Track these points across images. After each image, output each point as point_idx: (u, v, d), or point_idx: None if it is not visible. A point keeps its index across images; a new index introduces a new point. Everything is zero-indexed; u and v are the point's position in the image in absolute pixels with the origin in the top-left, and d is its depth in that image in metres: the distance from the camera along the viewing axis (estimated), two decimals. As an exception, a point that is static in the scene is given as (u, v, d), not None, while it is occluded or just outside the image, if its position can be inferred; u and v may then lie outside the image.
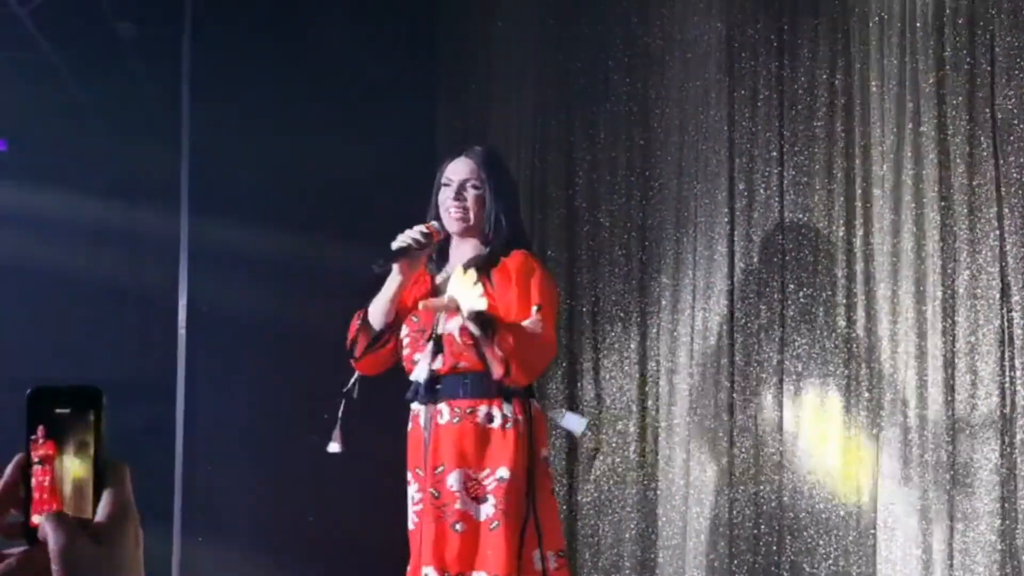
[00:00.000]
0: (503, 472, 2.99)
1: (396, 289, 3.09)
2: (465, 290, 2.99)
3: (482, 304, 2.96)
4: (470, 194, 3.12)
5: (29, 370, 4.16)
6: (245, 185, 4.60)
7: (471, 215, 3.11)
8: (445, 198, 3.13)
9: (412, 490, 3.13)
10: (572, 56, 4.39)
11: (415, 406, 3.10)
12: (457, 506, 2.99)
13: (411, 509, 3.14)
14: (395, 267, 3.06)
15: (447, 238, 3.16)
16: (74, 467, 0.86)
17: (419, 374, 3.06)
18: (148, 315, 4.76)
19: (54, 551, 0.81)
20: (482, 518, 2.99)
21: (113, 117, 4.71)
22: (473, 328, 2.91)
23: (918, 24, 3.49)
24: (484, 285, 3.04)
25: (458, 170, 3.14)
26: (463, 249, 3.17)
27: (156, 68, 4.75)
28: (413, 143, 4.61)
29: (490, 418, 3.02)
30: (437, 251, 3.18)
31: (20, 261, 4.45)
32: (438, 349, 3.05)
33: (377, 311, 3.13)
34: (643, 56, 4.21)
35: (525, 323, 2.99)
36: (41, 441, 0.86)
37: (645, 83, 4.20)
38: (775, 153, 3.82)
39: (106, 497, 0.84)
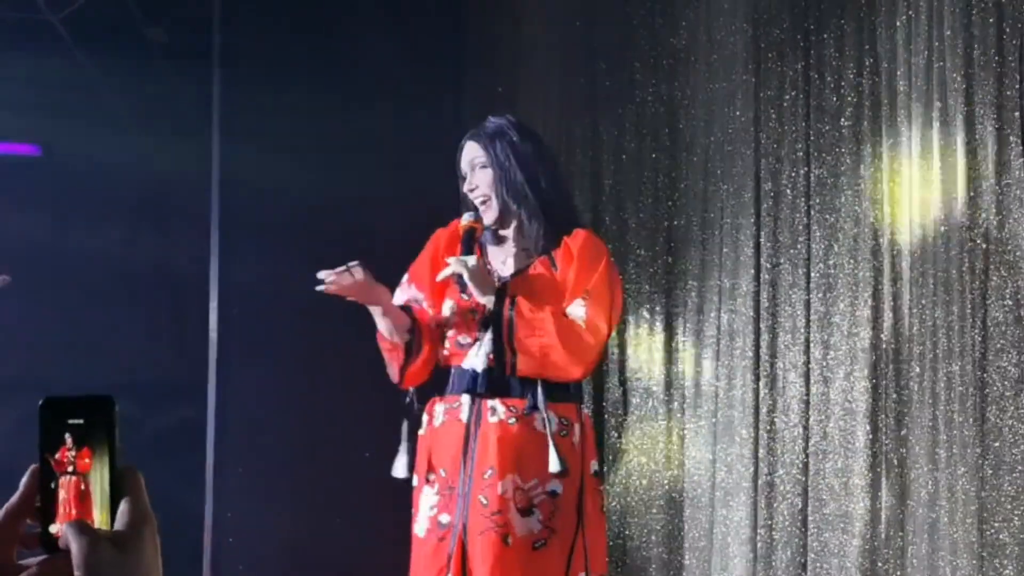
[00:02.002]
0: (555, 485, 2.71)
1: (381, 312, 2.79)
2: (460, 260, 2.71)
3: (471, 260, 2.69)
4: (480, 177, 2.86)
5: (59, 371, 4.21)
6: (276, 185, 4.63)
7: (491, 200, 2.85)
8: (466, 191, 2.89)
9: (431, 491, 2.80)
10: (598, 57, 4.39)
11: (463, 398, 2.78)
12: (510, 516, 2.69)
13: (425, 514, 2.80)
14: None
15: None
16: (91, 476, 0.87)
17: (475, 361, 2.76)
18: (179, 316, 4.80)
19: (78, 558, 0.81)
20: (523, 532, 2.69)
21: (144, 121, 4.76)
22: (483, 298, 2.67)
23: (946, 23, 3.46)
24: (547, 268, 2.80)
25: (466, 156, 2.90)
26: (507, 235, 2.91)
27: (186, 72, 4.79)
28: (441, 144, 4.62)
29: (545, 422, 2.72)
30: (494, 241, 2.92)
31: (52, 264, 4.50)
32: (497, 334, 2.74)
33: (386, 332, 2.82)
34: (669, 57, 4.20)
35: (568, 309, 2.72)
36: (70, 452, 0.86)
37: (671, 84, 4.19)
38: (801, 154, 3.80)
39: (124, 505, 0.86)
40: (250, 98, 4.69)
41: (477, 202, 2.87)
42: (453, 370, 2.84)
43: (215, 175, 4.74)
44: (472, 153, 2.88)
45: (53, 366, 4.30)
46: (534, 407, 2.73)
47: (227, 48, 4.73)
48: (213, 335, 4.73)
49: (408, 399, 2.91)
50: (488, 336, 2.74)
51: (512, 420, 2.72)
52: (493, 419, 2.73)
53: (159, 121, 4.76)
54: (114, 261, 4.65)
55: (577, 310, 2.72)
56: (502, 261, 2.89)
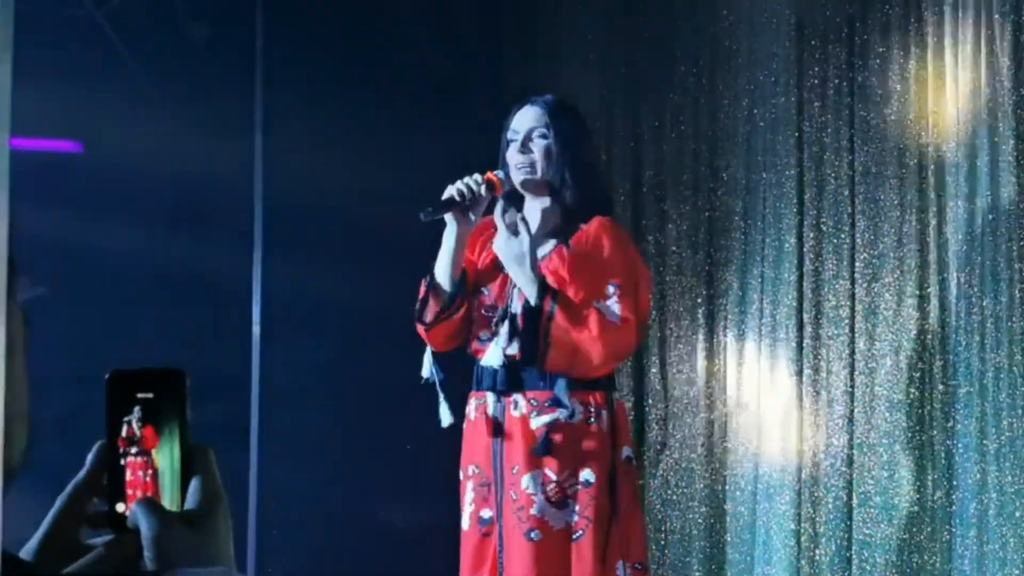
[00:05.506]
0: (587, 475, 2.68)
1: (454, 242, 2.74)
2: None
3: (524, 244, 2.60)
4: (537, 144, 2.75)
5: (101, 365, 4.24)
6: (318, 178, 4.64)
7: (538, 168, 2.74)
8: (512, 153, 2.76)
9: (470, 487, 2.79)
10: (638, 47, 4.36)
11: (487, 395, 2.76)
12: (533, 511, 2.66)
13: (467, 509, 2.79)
14: (448, 218, 2.72)
15: (519, 197, 2.81)
16: (160, 453, 0.83)
17: (492, 359, 2.71)
18: (222, 310, 4.83)
19: (148, 538, 0.79)
20: (561, 526, 2.67)
21: (187, 116, 4.78)
22: (527, 286, 2.61)
23: (995, 8, 3.40)
24: (563, 259, 2.73)
25: (524, 119, 2.78)
26: (534, 210, 2.80)
27: (229, 68, 4.81)
28: (482, 138, 4.61)
29: (572, 412, 2.69)
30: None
31: (94, 258, 4.53)
32: (514, 331, 2.70)
33: (440, 269, 2.77)
34: (710, 46, 4.16)
35: (598, 304, 2.65)
36: (138, 428, 0.83)
37: (712, 73, 4.15)
38: (845, 142, 3.75)
39: (195, 483, 0.83)
40: (293, 91, 4.71)
41: (522, 166, 2.76)
42: (477, 366, 2.81)
43: (258, 172, 4.76)
44: (532, 118, 2.78)
45: (93, 363, 4.33)
46: (557, 401, 2.68)
47: (270, 45, 4.75)
48: (256, 329, 4.76)
49: (427, 373, 2.84)
50: (504, 331, 2.70)
51: (535, 414, 2.69)
52: (516, 414, 2.71)
53: (202, 117, 4.78)
54: (156, 257, 4.66)
55: (612, 306, 2.67)
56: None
